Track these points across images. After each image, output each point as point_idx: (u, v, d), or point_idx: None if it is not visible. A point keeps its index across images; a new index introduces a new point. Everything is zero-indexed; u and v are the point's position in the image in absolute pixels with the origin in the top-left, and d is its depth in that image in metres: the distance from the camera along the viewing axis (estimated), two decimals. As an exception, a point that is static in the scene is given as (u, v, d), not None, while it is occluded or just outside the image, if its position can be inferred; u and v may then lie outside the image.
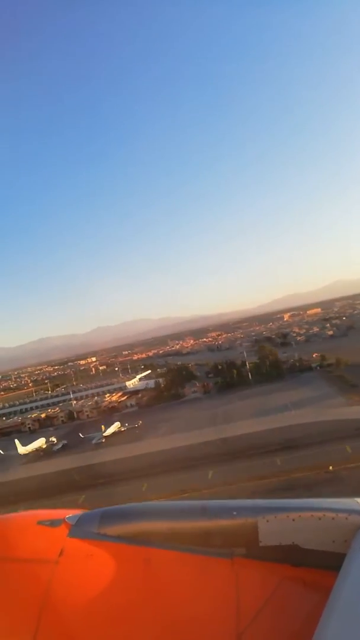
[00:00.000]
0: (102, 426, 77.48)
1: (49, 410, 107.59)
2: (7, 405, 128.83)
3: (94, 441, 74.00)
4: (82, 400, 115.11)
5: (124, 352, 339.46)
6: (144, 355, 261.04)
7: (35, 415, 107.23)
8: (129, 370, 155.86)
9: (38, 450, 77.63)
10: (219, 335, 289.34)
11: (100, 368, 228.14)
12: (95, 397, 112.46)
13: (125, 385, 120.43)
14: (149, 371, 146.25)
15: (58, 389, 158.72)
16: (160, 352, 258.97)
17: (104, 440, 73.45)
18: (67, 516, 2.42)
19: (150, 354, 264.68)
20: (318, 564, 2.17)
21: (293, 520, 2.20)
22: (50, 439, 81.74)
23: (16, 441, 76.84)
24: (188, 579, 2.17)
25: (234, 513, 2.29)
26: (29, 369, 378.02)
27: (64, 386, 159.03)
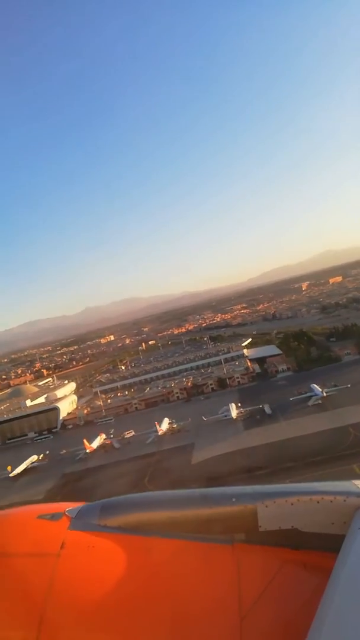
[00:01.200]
0: (316, 385, 72.82)
1: (189, 378, 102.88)
2: (116, 378, 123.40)
3: (310, 403, 70.16)
4: (210, 369, 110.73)
5: (145, 329, 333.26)
6: (183, 330, 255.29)
7: (175, 383, 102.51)
8: (208, 342, 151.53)
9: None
10: (244, 308, 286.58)
11: (150, 343, 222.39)
12: (225, 365, 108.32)
13: (243, 353, 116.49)
14: (249, 339, 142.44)
15: (147, 359, 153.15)
16: (203, 325, 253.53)
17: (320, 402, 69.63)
18: (67, 509, 2.46)
19: (190, 327, 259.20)
20: (318, 546, 2.23)
21: (292, 504, 2.26)
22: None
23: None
24: (190, 565, 2.23)
25: (233, 500, 2.34)
26: (40, 350, 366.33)
27: (155, 356, 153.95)
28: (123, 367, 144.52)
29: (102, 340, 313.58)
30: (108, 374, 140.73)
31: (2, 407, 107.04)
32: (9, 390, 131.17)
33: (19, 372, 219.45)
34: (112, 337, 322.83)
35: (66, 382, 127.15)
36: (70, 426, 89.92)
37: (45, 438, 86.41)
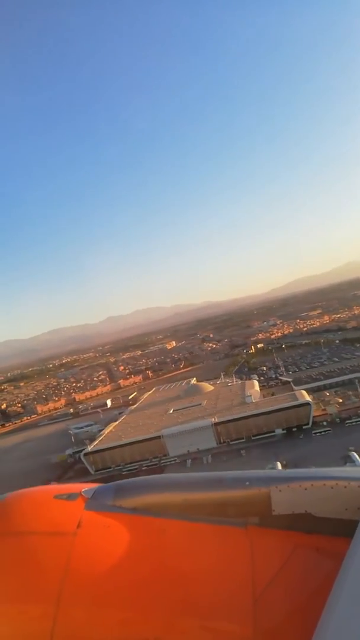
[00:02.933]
0: None
1: None
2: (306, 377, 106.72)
3: None
4: None
5: (209, 335, 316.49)
6: (278, 334, 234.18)
7: None
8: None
9: None
10: (321, 314, 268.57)
11: (259, 347, 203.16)
12: None
13: None
14: None
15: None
16: (304, 329, 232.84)
17: None
18: (83, 490, 2.46)
19: (287, 331, 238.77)
20: (331, 531, 2.21)
21: (305, 489, 2.24)
22: None
23: None
24: (203, 547, 2.22)
25: (247, 483, 2.33)
26: (94, 355, 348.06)
27: (304, 358, 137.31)
28: (270, 369, 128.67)
29: (168, 346, 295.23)
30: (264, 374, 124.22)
31: (208, 403, 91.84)
32: (183, 387, 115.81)
33: (100, 375, 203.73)
34: (173, 343, 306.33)
35: (249, 379, 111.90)
36: (324, 423, 75.31)
37: (325, 432, 71.90)
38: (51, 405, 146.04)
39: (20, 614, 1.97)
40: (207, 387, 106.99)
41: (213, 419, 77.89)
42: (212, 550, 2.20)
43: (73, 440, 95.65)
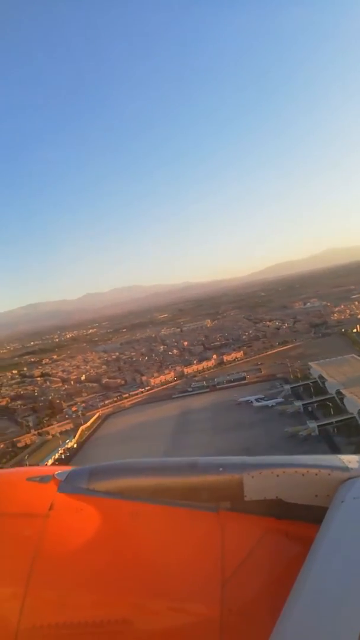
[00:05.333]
0: None
1: None
2: None
3: None
4: None
5: (230, 312, 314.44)
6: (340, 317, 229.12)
7: None
8: None
9: None
10: None
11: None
12: None
13: None
14: None
15: None
16: None
17: None
18: (56, 472, 2.45)
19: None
20: (301, 517, 2.25)
21: (277, 476, 2.27)
22: None
23: None
24: (175, 530, 2.25)
25: (220, 469, 2.35)
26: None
27: None
28: None
29: (207, 324, 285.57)
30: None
31: None
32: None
33: (171, 350, 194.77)
34: (208, 321, 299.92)
35: None
36: None
37: None
38: (162, 377, 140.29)
39: None
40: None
41: None
42: (183, 534, 2.24)
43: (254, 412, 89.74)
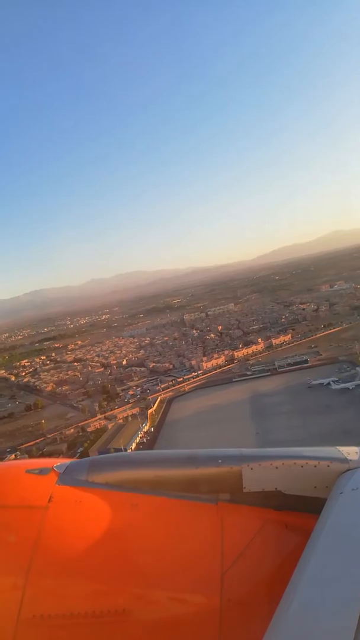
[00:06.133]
0: None
1: None
2: None
3: None
4: None
5: (252, 296, 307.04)
6: None
7: None
8: None
9: None
10: None
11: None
12: None
13: None
14: None
15: None
16: None
17: None
18: (55, 465, 2.46)
19: None
20: (299, 508, 2.29)
21: (276, 467, 2.31)
22: None
23: None
24: (174, 522, 2.27)
25: (219, 461, 2.39)
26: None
27: None
28: None
29: (235, 309, 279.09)
30: None
31: None
32: None
33: (208, 335, 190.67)
34: (232, 305, 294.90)
35: None
36: None
37: None
38: (213, 361, 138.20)
39: None
40: None
41: None
42: (183, 525, 2.25)
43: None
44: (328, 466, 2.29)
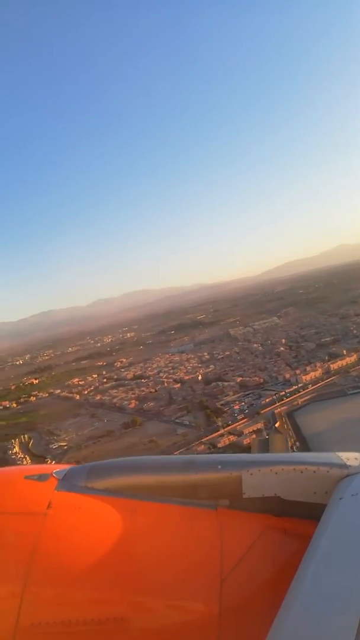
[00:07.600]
0: None
1: None
2: None
3: None
4: None
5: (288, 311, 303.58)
6: None
7: None
8: None
9: None
10: None
11: None
12: None
13: None
14: None
15: None
16: None
17: None
18: (54, 471, 2.44)
19: None
20: (299, 514, 2.26)
21: (276, 473, 2.30)
22: None
23: None
24: (173, 528, 2.25)
25: (219, 467, 2.37)
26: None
27: None
28: None
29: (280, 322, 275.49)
30: None
31: None
32: None
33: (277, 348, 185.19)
34: (276, 318, 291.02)
35: None
36: None
37: None
38: (312, 374, 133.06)
39: None
40: None
41: None
42: (182, 531, 2.23)
43: None
44: (327, 472, 2.26)
